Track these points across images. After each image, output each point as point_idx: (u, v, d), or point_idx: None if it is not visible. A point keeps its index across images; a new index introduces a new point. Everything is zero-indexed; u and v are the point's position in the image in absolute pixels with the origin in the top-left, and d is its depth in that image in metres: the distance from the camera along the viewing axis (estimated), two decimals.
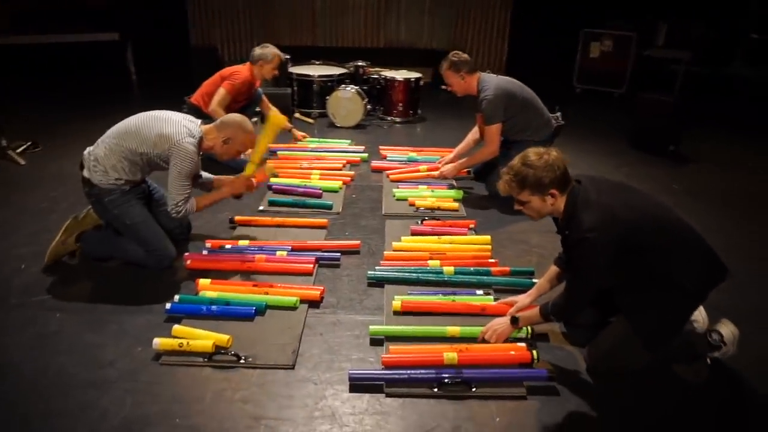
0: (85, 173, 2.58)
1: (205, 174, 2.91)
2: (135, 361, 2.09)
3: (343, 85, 5.12)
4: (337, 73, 5.41)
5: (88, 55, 6.87)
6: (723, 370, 2.13)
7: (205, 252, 2.80)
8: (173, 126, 2.55)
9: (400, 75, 5.35)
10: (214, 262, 2.70)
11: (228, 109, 3.87)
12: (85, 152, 2.62)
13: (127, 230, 2.62)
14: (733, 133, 5.58)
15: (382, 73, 5.42)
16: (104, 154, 2.54)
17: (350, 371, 2.01)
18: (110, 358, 2.10)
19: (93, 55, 6.88)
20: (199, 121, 2.71)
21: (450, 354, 2.07)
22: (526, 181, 1.91)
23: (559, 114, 3.80)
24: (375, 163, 4.17)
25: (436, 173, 3.84)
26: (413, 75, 5.36)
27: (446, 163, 3.86)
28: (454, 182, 3.87)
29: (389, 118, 5.43)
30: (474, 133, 3.96)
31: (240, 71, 3.92)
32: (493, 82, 3.54)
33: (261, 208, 3.36)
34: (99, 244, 2.72)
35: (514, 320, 2.11)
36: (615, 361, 2.03)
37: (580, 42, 6.46)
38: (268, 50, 4.01)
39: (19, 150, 4.12)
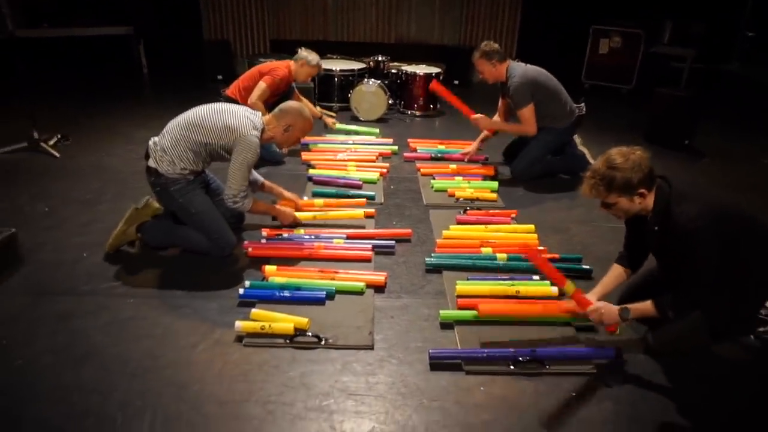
0: (151, 163, 2.62)
1: (254, 173, 2.97)
2: (219, 343, 2.16)
3: (366, 80, 5.19)
4: (358, 67, 5.47)
5: (100, 49, 6.85)
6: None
7: (263, 240, 2.86)
8: (238, 118, 2.60)
9: (420, 70, 5.44)
10: (274, 250, 2.77)
11: (264, 103, 3.92)
12: (150, 142, 2.66)
13: (191, 218, 2.68)
14: (740, 128, 5.77)
15: (403, 67, 5.49)
16: (170, 144, 2.58)
17: (431, 350, 2.10)
18: (193, 341, 2.16)
19: (105, 48, 6.86)
20: (259, 112, 2.77)
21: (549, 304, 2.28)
22: (613, 184, 1.93)
23: (583, 104, 3.93)
24: (407, 154, 4.27)
25: (471, 117, 3.93)
26: (433, 70, 5.45)
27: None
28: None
29: (409, 112, 5.51)
30: (496, 118, 4.07)
31: (279, 67, 3.98)
32: (521, 69, 3.72)
33: (305, 198, 3.42)
34: (160, 234, 2.76)
35: (625, 311, 2.04)
36: (680, 345, 2.12)
37: (590, 38, 6.61)
38: (314, 57, 4.11)
39: (51, 142, 4.11)
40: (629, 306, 2.06)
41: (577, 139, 4.01)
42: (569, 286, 2.14)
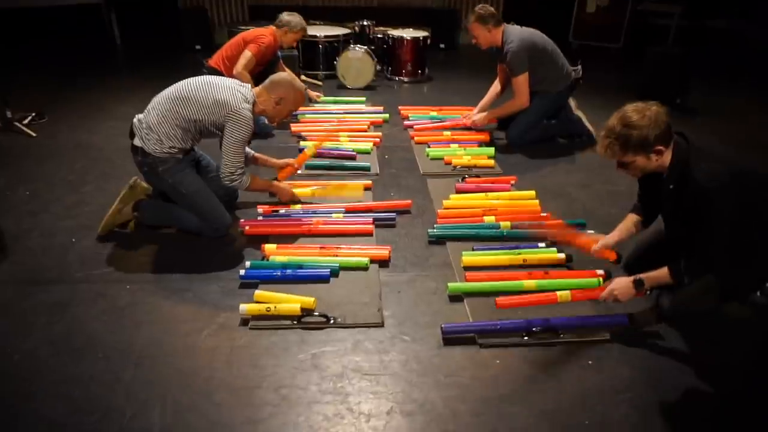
0: (137, 142, 2.49)
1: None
2: (224, 327, 2.08)
3: (352, 45, 5.02)
4: (343, 33, 5.28)
5: (69, 20, 6.51)
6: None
7: (260, 218, 2.77)
8: (228, 92, 2.47)
9: (408, 34, 5.27)
10: (271, 227, 2.68)
11: (250, 73, 3.77)
12: (135, 120, 2.53)
13: (182, 199, 2.56)
14: (727, 85, 5.74)
15: (389, 32, 5.32)
16: (157, 121, 2.45)
17: (444, 325, 2.06)
18: (197, 326, 2.09)
19: (74, 20, 6.52)
20: (249, 84, 2.63)
21: (564, 293, 2.16)
22: (629, 143, 1.86)
23: (579, 67, 3.84)
24: (408, 122, 4.16)
25: (467, 122, 3.92)
26: (421, 34, 5.28)
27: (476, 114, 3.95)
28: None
29: (397, 78, 5.37)
30: (495, 87, 4.01)
31: (264, 34, 3.80)
32: (517, 33, 3.60)
33: (299, 171, 3.31)
34: (156, 213, 2.65)
35: (639, 283, 1.99)
36: (693, 308, 2.10)
37: None
38: (297, 20, 3.93)
39: (25, 121, 3.92)
40: (643, 276, 2.02)
41: (572, 102, 3.93)
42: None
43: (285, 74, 2.68)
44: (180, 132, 2.47)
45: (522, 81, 3.62)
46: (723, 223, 1.82)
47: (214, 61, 3.87)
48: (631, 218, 2.28)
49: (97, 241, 2.62)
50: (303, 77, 5.21)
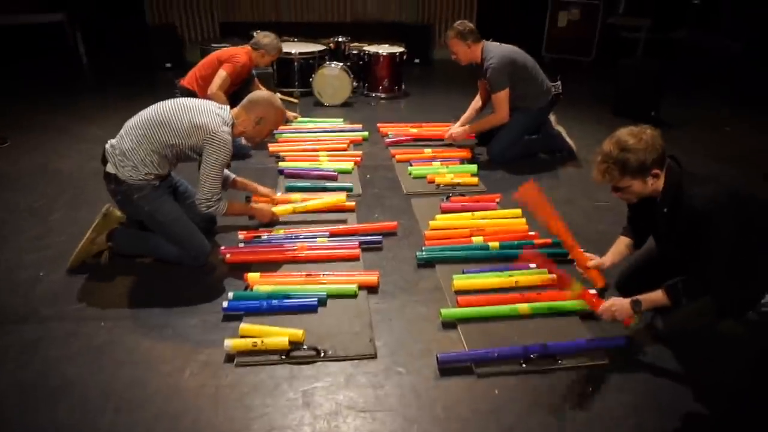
0: (110, 169, 2.37)
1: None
2: (208, 365, 1.97)
3: (327, 62, 4.96)
4: (318, 49, 5.22)
5: (32, 38, 6.28)
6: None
7: (241, 245, 2.66)
8: (206, 114, 2.37)
9: (383, 50, 5.24)
10: (254, 255, 2.57)
11: (225, 93, 3.67)
12: (107, 146, 2.40)
13: (160, 227, 2.45)
14: (696, 96, 5.86)
15: (365, 48, 5.28)
16: (131, 147, 2.33)
17: (440, 355, 1.98)
18: (179, 365, 1.96)
19: (37, 38, 6.30)
20: (227, 106, 2.54)
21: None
22: (627, 167, 1.83)
23: (559, 83, 3.86)
24: (389, 140, 4.10)
25: (445, 136, 3.92)
26: (397, 49, 5.26)
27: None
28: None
29: (374, 94, 5.33)
30: (476, 102, 4.01)
31: (239, 54, 3.71)
32: (497, 50, 3.60)
33: (279, 194, 3.21)
34: (132, 242, 2.53)
35: (636, 304, 1.95)
36: (689, 329, 2.09)
37: (548, 11, 6.56)
38: (274, 43, 3.86)
39: None
40: (640, 297, 1.98)
41: (552, 117, 3.94)
42: (576, 286, 2.07)
43: (263, 92, 2.59)
44: (156, 158, 2.36)
45: (502, 97, 3.62)
46: (722, 245, 1.81)
47: (188, 81, 3.76)
48: (623, 241, 2.27)
49: (68, 275, 2.47)
50: (279, 95, 5.10)
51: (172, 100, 2.45)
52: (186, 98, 2.47)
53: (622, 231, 2.30)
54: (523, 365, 1.99)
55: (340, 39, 5.30)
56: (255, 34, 4.89)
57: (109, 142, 2.42)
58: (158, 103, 2.45)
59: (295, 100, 5.09)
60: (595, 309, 2.07)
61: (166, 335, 2.11)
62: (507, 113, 3.66)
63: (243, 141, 3.15)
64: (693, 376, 1.99)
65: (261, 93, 2.58)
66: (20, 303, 2.28)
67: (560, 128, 3.94)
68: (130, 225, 2.61)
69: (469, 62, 3.70)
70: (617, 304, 2.01)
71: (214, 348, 2.04)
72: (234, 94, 3.81)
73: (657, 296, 1.96)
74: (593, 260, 2.26)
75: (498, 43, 3.69)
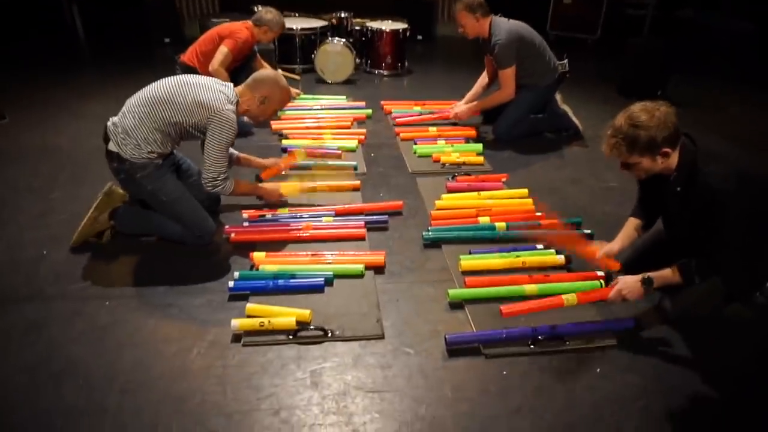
0: (112, 147, 2.32)
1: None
2: (215, 345, 1.96)
3: (330, 38, 4.87)
4: (320, 25, 5.12)
5: (27, 12, 6.15)
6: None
7: (246, 224, 2.63)
8: (210, 92, 2.32)
9: (387, 26, 5.14)
10: (259, 234, 2.54)
11: (227, 70, 3.60)
12: (109, 123, 2.35)
13: (163, 207, 2.41)
14: (701, 75, 5.77)
15: (368, 24, 5.18)
16: (134, 125, 2.28)
17: (448, 336, 1.97)
18: (186, 345, 1.95)
19: (33, 12, 6.17)
20: (231, 83, 2.48)
21: (569, 296, 2.09)
22: (636, 144, 1.80)
23: (566, 61, 3.79)
24: (396, 119, 4.01)
25: (450, 115, 3.86)
26: (400, 26, 5.16)
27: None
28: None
29: (377, 71, 5.24)
30: (483, 79, 3.95)
31: (241, 30, 3.61)
32: (505, 26, 3.53)
33: (283, 172, 3.17)
34: (135, 221, 2.49)
35: (648, 281, 1.96)
36: (698, 310, 2.08)
37: None
38: (277, 19, 3.75)
39: None
40: (652, 275, 1.97)
41: (558, 96, 3.88)
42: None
43: (269, 71, 2.53)
44: (159, 136, 2.31)
45: (509, 74, 3.56)
46: (735, 226, 1.78)
47: (188, 56, 3.68)
48: (633, 222, 2.23)
49: (71, 253, 2.45)
50: (280, 72, 5.04)
51: (174, 76, 2.39)
52: (189, 75, 2.41)
53: (632, 212, 2.27)
54: (532, 346, 1.98)
55: (342, 15, 5.19)
56: (256, 9, 4.79)
57: (110, 119, 2.37)
58: (161, 79, 2.39)
59: (297, 77, 5.00)
60: (604, 298, 2.06)
61: (171, 315, 2.10)
62: (513, 90, 3.61)
63: (246, 119, 3.12)
64: (700, 359, 1.98)
65: (266, 72, 2.52)
66: (23, 282, 2.26)
67: (566, 107, 3.88)
68: (133, 203, 2.57)
69: (476, 36, 3.63)
70: (628, 284, 2.00)
71: (221, 328, 2.03)
72: (235, 70, 3.74)
73: (669, 274, 1.95)
74: (602, 249, 2.21)
75: (506, 19, 3.61)
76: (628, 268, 2.32)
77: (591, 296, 2.12)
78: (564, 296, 2.09)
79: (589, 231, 2.65)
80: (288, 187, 2.85)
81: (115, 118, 2.35)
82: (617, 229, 2.27)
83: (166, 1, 6.15)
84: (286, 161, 2.98)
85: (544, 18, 6.58)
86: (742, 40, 6.64)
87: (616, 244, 2.18)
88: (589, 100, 4.73)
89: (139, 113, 2.29)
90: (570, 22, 6.47)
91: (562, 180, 3.28)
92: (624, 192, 3.16)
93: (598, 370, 1.92)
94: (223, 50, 3.54)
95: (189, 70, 3.61)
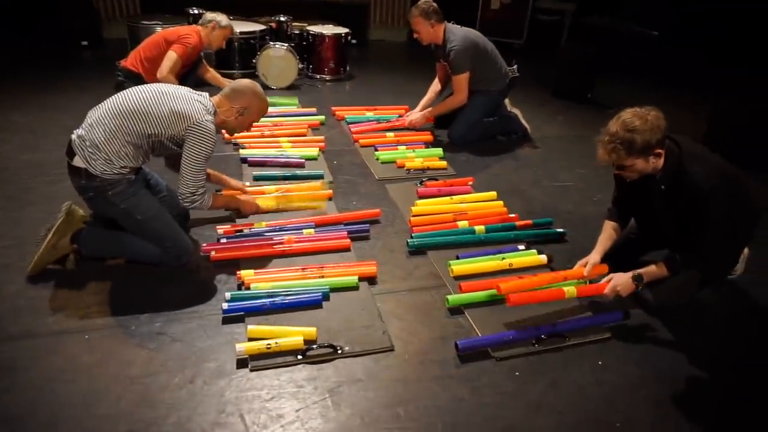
0: (78, 162, 2.11)
1: None
2: (221, 373, 1.84)
3: (272, 43, 4.74)
4: (259, 29, 4.96)
5: None
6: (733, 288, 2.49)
7: (223, 240, 2.49)
8: (187, 102, 2.18)
9: (328, 30, 5.08)
10: (240, 250, 2.42)
11: (175, 76, 3.40)
12: (74, 136, 2.14)
13: (137, 226, 2.23)
14: (618, 77, 6.23)
15: (308, 28, 5.09)
16: (104, 138, 2.09)
17: (459, 342, 1.98)
18: (189, 375, 1.82)
19: None
20: (206, 93, 2.34)
21: (570, 288, 2.17)
22: (633, 147, 1.91)
23: (515, 67, 3.95)
24: (354, 128, 3.93)
25: (404, 122, 3.90)
26: (341, 30, 5.12)
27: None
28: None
29: (319, 76, 5.17)
30: (435, 85, 4.03)
31: (189, 34, 3.42)
32: (460, 32, 3.63)
33: (247, 184, 3.04)
34: (102, 243, 2.28)
35: (638, 278, 2.11)
36: (681, 299, 2.25)
37: None
38: (222, 16, 3.56)
39: None
40: (641, 271, 2.11)
41: (507, 101, 4.03)
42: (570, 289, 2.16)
43: (247, 81, 2.41)
44: (131, 149, 2.14)
45: (463, 79, 3.65)
46: (720, 221, 1.95)
47: (131, 62, 3.43)
48: (610, 225, 2.37)
49: (29, 283, 2.19)
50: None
51: (146, 86, 2.21)
52: (162, 85, 2.25)
53: (607, 215, 2.40)
54: (536, 345, 2.05)
55: (282, 18, 5.06)
56: (191, 11, 4.58)
57: (75, 132, 2.16)
58: (131, 89, 2.21)
59: None
60: (600, 292, 2.16)
61: (164, 343, 1.94)
62: (466, 95, 3.71)
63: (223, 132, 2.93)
64: (683, 342, 2.15)
65: (244, 81, 2.40)
66: None
67: (516, 111, 4.05)
68: (96, 222, 2.36)
69: (430, 42, 3.69)
70: (620, 282, 2.12)
71: (222, 353, 1.91)
72: (183, 76, 3.54)
73: (656, 270, 2.11)
74: (587, 265, 2.27)
75: (459, 26, 3.71)
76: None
77: (588, 290, 2.21)
78: (565, 288, 2.17)
79: (562, 230, 2.78)
80: (265, 201, 2.74)
81: (80, 131, 2.14)
82: (583, 226, 2.39)
83: (81, 1, 5.68)
84: (251, 192, 2.84)
85: (473, 23, 6.80)
86: (646, 45, 7.22)
87: (597, 253, 2.27)
88: (526, 102, 4.93)
89: (109, 126, 2.10)
90: (497, 27, 6.74)
91: (522, 181, 3.42)
92: (579, 190, 3.36)
93: (600, 363, 2.02)
94: (171, 56, 3.34)
95: (133, 76, 3.38)
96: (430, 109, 3.90)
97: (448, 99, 3.81)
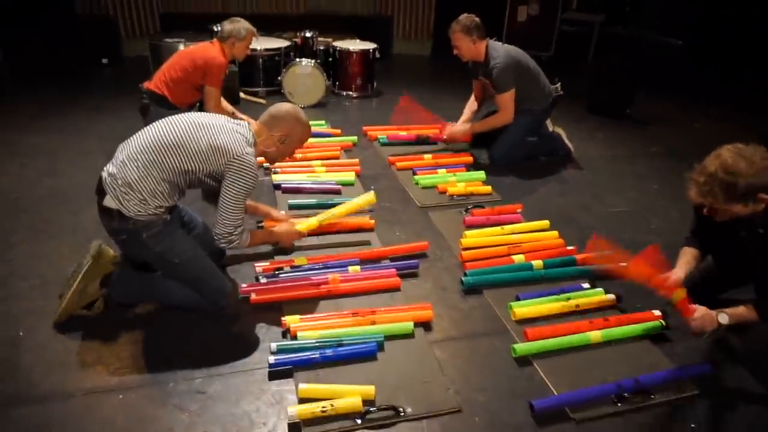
0: (110, 203, 1.93)
1: None
2: None
3: (298, 59, 4.57)
4: (284, 45, 4.81)
5: None
6: None
7: (263, 280, 2.30)
8: (226, 134, 1.99)
9: (354, 46, 4.91)
10: (281, 291, 2.22)
11: (187, 94, 3.23)
12: (105, 174, 1.96)
13: (174, 270, 2.04)
14: (655, 91, 6.00)
15: (334, 43, 4.93)
16: (138, 176, 1.91)
17: (536, 402, 1.77)
18: None
19: None
20: (245, 122, 2.16)
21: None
22: (734, 192, 1.72)
23: (558, 85, 3.76)
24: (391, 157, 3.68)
25: (444, 135, 3.71)
26: (369, 45, 4.95)
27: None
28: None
29: (345, 93, 4.99)
30: (472, 104, 3.86)
31: (216, 57, 3.20)
32: (502, 50, 3.45)
33: (283, 213, 2.86)
34: (135, 289, 2.10)
35: (723, 317, 1.91)
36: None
37: (508, 6, 6.48)
38: (240, 25, 3.35)
39: None
40: (726, 311, 1.92)
41: (548, 120, 3.83)
42: (678, 293, 1.95)
43: (287, 105, 2.22)
44: (167, 187, 1.95)
45: (508, 98, 3.46)
46: None
47: (155, 84, 3.25)
48: (690, 252, 2.17)
49: (56, 332, 2.01)
50: (243, 95, 4.68)
51: (181, 117, 2.03)
52: (197, 115, 2.07)
53: (686, 242, 2.21)
54: (618, 404, 1.83)
55: (307, 34, 4.90)
56: (215, 28, 4.41)
57: (105, 169, 1.98)
58: (164, 121, 2.03)
59: (262, 101, 4.66)
60: (689, 314, 1.95)
61: (207, 407, 1.74)
62: (512, 114, 3.52)
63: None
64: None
65: (284, 106, 2.21)
66: (4, 377, 1.81)
67: (560, 130, 3.84)
68: (126, 263, 2.18)
69: (470, 59, 3.52)
70: (706, 317, 1.92)
71: (271, 416, 1.71)
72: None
73: (744, 311, 1.91)
74: (670, 278, 2.10)
75: (501, 43, 3.52)
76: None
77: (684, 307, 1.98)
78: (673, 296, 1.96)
79: (624, 264, 2.55)
80: (305, 224, 2.54)
81: (111, 168, 1.96)
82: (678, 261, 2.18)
83: (101, 18, 5.57)
84: (306, 227, 2.59)
85: (500, 36, 6.61)
86: (674, 55, 7.00)
87: (681, 271, 2.08)
88: (561, 119, 4.73)
89: (143, 162, 1.92)
90: (525, 39, 6.51)
91: (571, 207, 3.20)
92: (633, 217, 3.15)
93: (693, 425, 1.79)
94: (211, 92, 3.19)
95: (158, 98, 3.21)
96: (474, 124, 3.70)
97: (491, 117, 3.63)
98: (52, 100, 4.41)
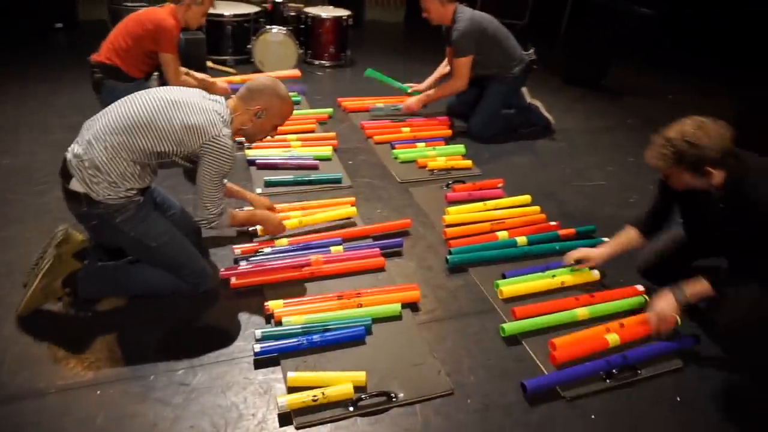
0: (77, 187, 1.79)
1: None
2: (261, 430, 1.59)
3: (268, 27, 4.37)
4: (253, 11, 4.58)
5: None
6: None
7: (243, 263, 2.21)
8: (201, 113, 1.86)
9: (327, 12, 4.72)
10: (262, 275, 2.14)
11: (141, 63, 3.03)
12: (69, 156, 1.82)
13: (150, 254, 1.93)
14: (626, 60, 6.01)
15: (306, 10, 4.72)
16: (107, 158, 1.77)
17: (528, 383, 1.76)
18: None
19: None
20: (221, 97, 2.02)
21: (612, 336, 1.96)
22: (683, 159, 1.76)
23: (532, 50, 3.68)
24: (366, 123, 3.64)
25: (403, 108, 3.69)
26: (342, 12, 4.76)
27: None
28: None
29: (317, 62, 4.82)
30: (443, 67, 3.83)
31: (164, 19, 2.94)
32: (468, 14, 3.40)
33: (258, 191, 2.75)
34: (103, 281, 1.96)
35: (679, 294, 1.93)
36: (750, 322, 2.06)
37: None
38: None
39: None
40: (684, 287, 1.93)
41: (524, 90, 3.77)
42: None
43: (264, 78, 2.09)
44: (138, 169, 1.83)
45: (464, 63, 3.39)
46: None
47: (105, 55, 2.98)
48: (629, 234, 2.19)
49: (23, 325, 1.89)
50: (210, 64, 4.46)
51: (153, 92, 1.88)
52: (169, 90, 1.92)
53: (633, 221, 2.21)
54: (607, 381, 1.84)
55: (278, 0, 4.67)
56: None
57: (69, 150, 1.83)
58: (133, 97, 1.88)
59: (231, 70, 4.46)
60: (649, 334, 2.00)
61: (189, 398, 1.67)
62: (466, 81, 3.46)
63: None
64: (757, 366, 1.98)
65: (261, 79, 2.07)
66: None
67: (537, 102, 3.80)
68: (95, 251, 2.05)
69: (439, 22, 3.43)
70: (663, 305, 1.94)
71: (260, 407, 1.65)
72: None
73: (700, 286, 1.92)
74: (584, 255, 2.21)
75: (471, 9, 3.42)
76: (645, 275, 2.33)
77: (635, 333, 2.01)
78: (607, 336, 1.97)
79: (606, 239, 2.56)
80: (287, 224, 2.42)
81: (77, 149, 1.82)
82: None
83: None
84: (279, 210, 2.53)
85: (473, 3, 6.48)
86: (647, 24, 7.00)
87: (607, 249, 2.18)
88: (538, 90, 4.68)
89: (112, 143, 1.78)
90: (499, 7, 6.41)
91: (552, 181, 3.18)
92: (614, 191, 3.16)
93: (678, 398, 1.82)
94: (167, 59, 2.94)
95: (109, 70, 2.97)
96: (428, 92, 3.63)
97: (446, 84, 3.55)
98: (4, 71, 4.12)
